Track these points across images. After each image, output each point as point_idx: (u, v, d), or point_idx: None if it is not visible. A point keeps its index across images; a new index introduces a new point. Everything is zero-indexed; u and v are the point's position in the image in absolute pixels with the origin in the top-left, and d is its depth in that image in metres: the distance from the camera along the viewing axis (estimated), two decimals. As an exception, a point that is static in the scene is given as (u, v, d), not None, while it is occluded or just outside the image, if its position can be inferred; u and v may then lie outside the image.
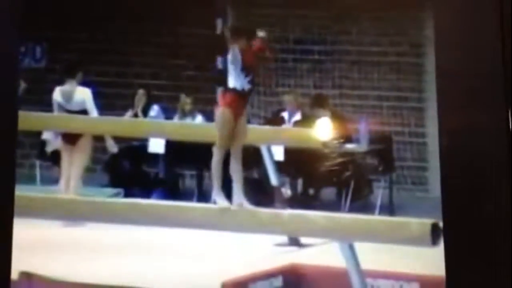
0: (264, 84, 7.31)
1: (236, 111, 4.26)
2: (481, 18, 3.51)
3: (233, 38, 4.23)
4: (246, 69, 4.22)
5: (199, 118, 6.61)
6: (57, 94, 6.11)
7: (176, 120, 6.74)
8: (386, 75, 7.10)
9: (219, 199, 4.34)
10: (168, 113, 6.92)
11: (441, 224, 3.97)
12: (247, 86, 4.24)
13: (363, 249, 4.47)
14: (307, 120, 6.53)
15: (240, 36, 4.25)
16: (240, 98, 4.25)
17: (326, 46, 7.15)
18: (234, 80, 4.24)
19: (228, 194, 5.47)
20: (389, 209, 6.45)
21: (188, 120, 6.71)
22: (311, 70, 7.20)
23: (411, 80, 7.07)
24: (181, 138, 5.93)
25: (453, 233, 3.77)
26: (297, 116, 6.63)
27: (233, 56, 4.16)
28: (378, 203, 6.40)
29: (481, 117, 3.64)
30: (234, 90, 4.24)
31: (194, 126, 6.01)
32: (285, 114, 6.66)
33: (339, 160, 6.33)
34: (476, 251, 3.68)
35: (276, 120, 6.73)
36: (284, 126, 6.51)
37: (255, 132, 5.33)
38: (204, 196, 6.38)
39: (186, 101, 6.73)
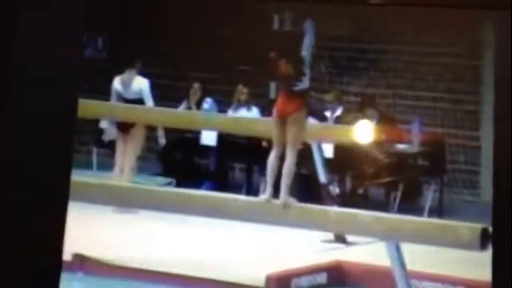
0: (318, 82, 7.33)
1: (282, 111, 4.41)
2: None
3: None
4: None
5: (254, 111, 6.70)
6: (117, 82, 6.30)
7: (231, 109, 6.85)
8: (441, 76, 7.04)
9: (264, 195, 4.45)
10: (221, 107, 7.03)
11: (490, 229, 3.94)
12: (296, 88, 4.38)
13: (409, 250, 4.47)
14: (348, 115, 6.54)
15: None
16: (286, 99, 4.39)
17: (381, 45, 7.13)
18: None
19: (277, 189, 5.54)
20: (439, 211, 6.40)
21: (243, 110, 6.80)
22: (366, 69, 7.19)
23: (466, 82, 6.99)
24: (233, 131, 6.02)
25: (502, 239, 3.73)
26: (338, 112, 6.65)
27: None
28: (428, 205, 6.36)
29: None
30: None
31: (246, 121, 6.08)
32: (327, 113, 6.68)
33: (389, 160, 6.33)
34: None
35: (320, 119, 6.75)
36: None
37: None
38: (252, 189, 6.46)
39: (242, 91, 6.81)
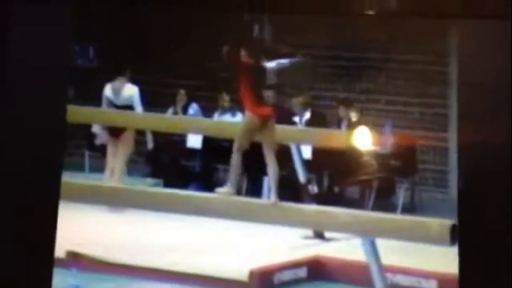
0: (293, 87, 7.58)
1: (269, 113, 4.66)
2: (503, 38, 3.77)
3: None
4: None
5: (239, 116, 6.96)
6: (108, 90, 6.51)
7: (216, 115, 7.12)
8: (412, 82, 7.32)
9: (227, 189, 4.68)
10: (206, 112, 7.28)
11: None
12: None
13: (384, 246, 4.66)
14: (316, 118, 6.76)
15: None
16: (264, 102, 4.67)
17: (355, 53, 7.38)
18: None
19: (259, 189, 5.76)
20: (411, 208, 6.65)
21: (227, 116, 7.07)
22: (340, 75, 7.45)
23: (436, 87, 7.29)
24: (216, 135, 6.23)
25: (468, 234, 4.00)
26: (307, 115, 6.86)
27: None
28: (400, 202, 6.57)
29: (499, 126, 3.89)
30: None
31: (228, 124, 6.31)
32: (296, 118, 6.82)
33: (364, 160, 6.58)
34: (489, 251, 3.92)
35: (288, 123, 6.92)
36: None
37: (283, 132, 5.60)
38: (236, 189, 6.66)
39: (225, 98, 7.11)
